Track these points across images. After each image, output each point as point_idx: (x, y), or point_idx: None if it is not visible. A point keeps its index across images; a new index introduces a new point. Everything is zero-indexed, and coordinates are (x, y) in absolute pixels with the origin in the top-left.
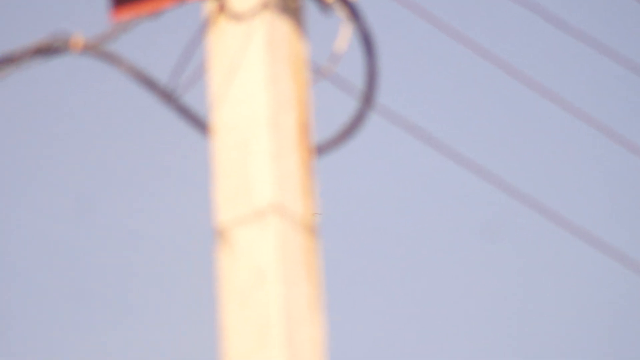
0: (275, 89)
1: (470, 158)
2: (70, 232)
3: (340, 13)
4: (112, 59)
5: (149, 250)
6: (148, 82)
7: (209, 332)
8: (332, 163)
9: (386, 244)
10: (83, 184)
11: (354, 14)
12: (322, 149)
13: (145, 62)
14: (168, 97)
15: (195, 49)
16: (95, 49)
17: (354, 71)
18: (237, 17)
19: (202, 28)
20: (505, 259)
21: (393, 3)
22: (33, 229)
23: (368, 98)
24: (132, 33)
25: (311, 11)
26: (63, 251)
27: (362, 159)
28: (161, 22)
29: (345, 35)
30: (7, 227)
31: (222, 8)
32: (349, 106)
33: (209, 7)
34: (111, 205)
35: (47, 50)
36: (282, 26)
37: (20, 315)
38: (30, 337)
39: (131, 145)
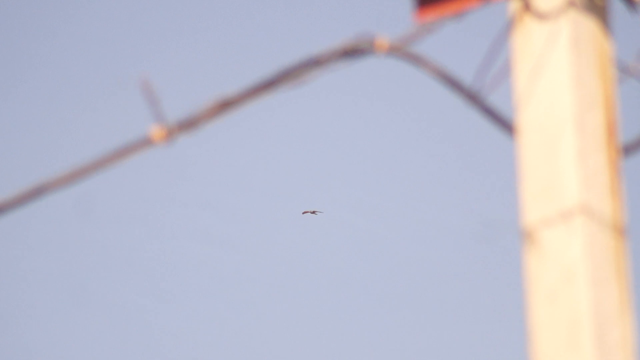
0: (580, 88)
1: None
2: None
3: None
4: (417, 60)
5: (446, 246)
6: (453, 83)
7: (518, 330)
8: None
9: None
10: (378, 182)
11: None
12: (628, 148)
13: (449, 62)
14: (473, 97)
15: (499, 49)
16: (401, 50)
17: None
18: (542, 16)
19: (507, 28)
20: None
21: None
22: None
23: None
24: (436, 34)
25: (617, 9)
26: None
27: None
28: (465, 23)
29: None
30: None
31: (527, 7)
32: None
33: (514, 7)
34: (414, 202)
35: (353, 52)
36: (588, 24)
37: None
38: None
39: (435, 145)
